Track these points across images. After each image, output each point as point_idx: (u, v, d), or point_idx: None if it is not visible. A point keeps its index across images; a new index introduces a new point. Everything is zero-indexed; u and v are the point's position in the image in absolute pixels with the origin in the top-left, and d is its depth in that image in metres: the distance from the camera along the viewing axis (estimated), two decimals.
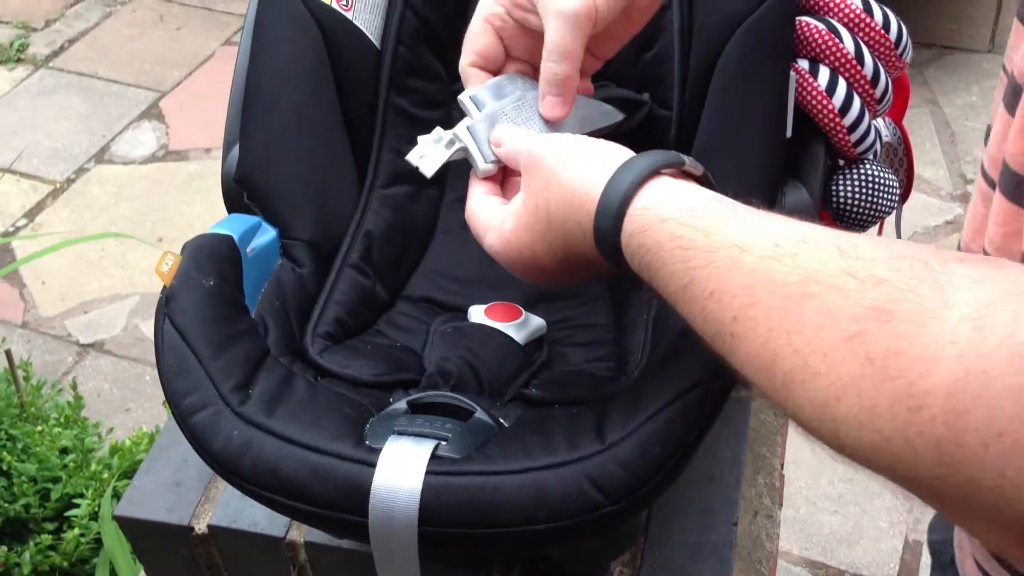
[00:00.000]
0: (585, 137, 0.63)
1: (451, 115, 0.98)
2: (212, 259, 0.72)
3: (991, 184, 0.61)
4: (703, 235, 0.51)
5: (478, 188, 0.69)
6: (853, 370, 0.42)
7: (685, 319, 0.53)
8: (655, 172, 0.56)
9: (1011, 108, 0.58)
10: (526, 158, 0.63)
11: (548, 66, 0.67)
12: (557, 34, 0.65)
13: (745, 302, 0.47)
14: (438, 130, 0.71)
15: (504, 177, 0.71)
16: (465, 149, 0.70)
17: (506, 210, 0.64)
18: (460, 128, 0.70)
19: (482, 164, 0.69)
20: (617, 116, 0.76)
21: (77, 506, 1.37)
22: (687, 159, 0.59)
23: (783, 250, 0.47)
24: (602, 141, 0.62)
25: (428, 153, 0.70)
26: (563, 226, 0.60)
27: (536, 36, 0.69)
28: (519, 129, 0.69)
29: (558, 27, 0.65)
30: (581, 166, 0.59)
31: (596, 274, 0.64)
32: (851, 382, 0.42)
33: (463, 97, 0.71)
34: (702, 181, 0.59)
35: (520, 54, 0.72)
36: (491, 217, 0.66)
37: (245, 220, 0.80)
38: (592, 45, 0.68)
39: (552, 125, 0.70)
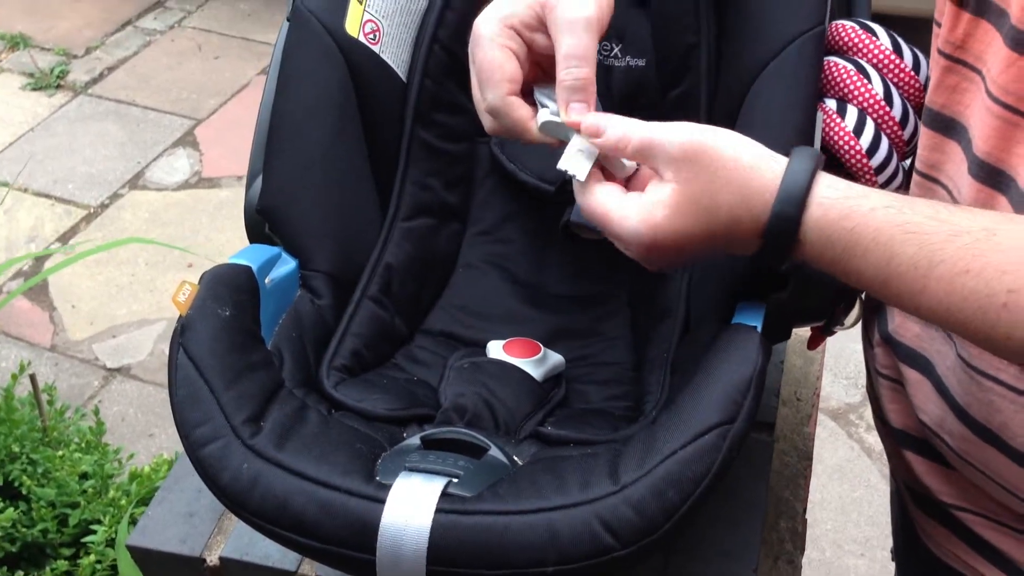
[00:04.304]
0: (716, 128, 0.64)
1: (475, 149, 0.98)
2: (229, 289, 0.72)
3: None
4: (935, 222, 0.58)
5: (591, 178, 0.67)
6: None
7: (900, 301, 0.60)
8: (818, 165, 0.61)
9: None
10: (680, 149, 0.63)
11: (569, 72, 0.67)
12: (574, 39, 0.66)
13: (1023, 276, 0.55)
14: (577, 139, 0.68)
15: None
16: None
17: (653, 198, 0.63)
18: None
19: (627, 163, 0.68)
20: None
21: (94, 532, 1.37)
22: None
23: None
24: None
25: (575, 160, 0.67)
26: (731, 212, 0.62)
27: (534, 58, 0.70)
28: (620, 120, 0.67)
29: (575, 32, 0.66)
30: (749, 156, 0.62)
31: (723, 254, 0.66)
32: None
33: (554, 117, 0.69)
34: None
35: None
36: (625, 204, 0.64)
37: (265, 251, 0.80)
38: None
39: None
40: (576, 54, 0.67)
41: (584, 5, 0.67)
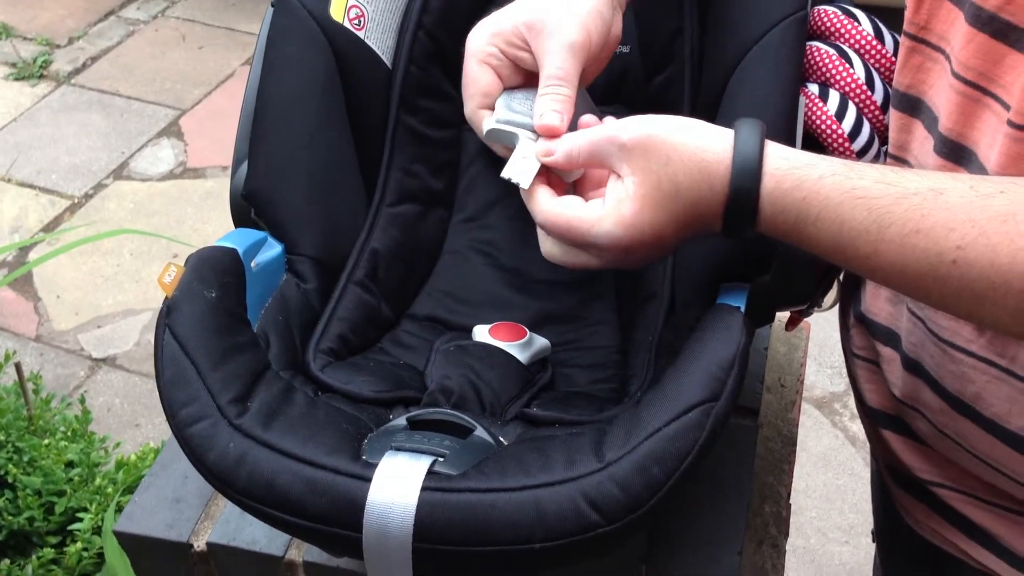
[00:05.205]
0: (657, 116, 0.66)
1: (461, 135, 0.98)
2: (215, 271, 0.72)
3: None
4: (883, 185, 0.58)
5: (544, 192, 0.68)
6: None
7: (855, 264, 0.60)
8: (763, 134, 0.62)
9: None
10: (629, 144, 0.64)
11: (552, 89, 0.70)
12: (560, 60, 0.69)
13: (969, 232, 0.55)
14: (521, 146, 0.70)
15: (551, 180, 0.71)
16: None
17: (615, 197, 0.65)
18: (528, 142, 0.70)
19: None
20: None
21: (81, 520, 1.36)
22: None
23: (982, 189, 0.56)
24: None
25: (519, 168, 0.69)
26: (693, 194, 0.63)
27: (524, 73, 0.73)
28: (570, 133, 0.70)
29: (560, 55, 0.69)
30: (696, 135, 0.63)
31: (699, 236, 0.67)
32: None
33: (499, 125, 0.71)
34: None
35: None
36: (591, 210, 0.66)
37: (251, 235, 0.80)
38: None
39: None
40: (558, 76, 0.70)
41: (568, 32, 0.69)
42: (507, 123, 0.71)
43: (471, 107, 0.73)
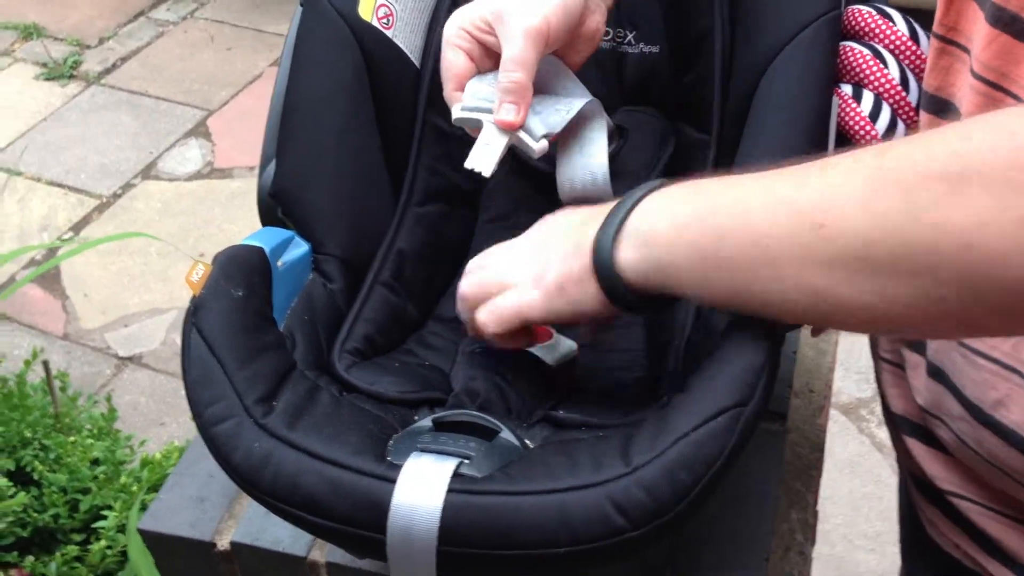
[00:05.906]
0: None
1: None
2: (242, 270, 0.72)
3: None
4: (760, 174, 0.60)
5: None
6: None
7: (732, 260, 0.59)
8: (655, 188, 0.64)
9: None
10: None
11: (505, 75, 0.72)
12: (515, 47, 0.72)
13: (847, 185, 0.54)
14: (484, 133, 0.74)
15: None
16: (511, 140, 0.74)
17: None
18: (491, 127, 0.74)
19: (535, 145, 0.74)
20: (576, 104, 0.77)
21: (105, 517, 1.37)
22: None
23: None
24: None
25: (481, 155, 0.73)
26: (566, 220, 0.68)
27: (495, 56, 0.75)
28: None
29: (516, 41, 0.72)
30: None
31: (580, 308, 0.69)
32: None
33: (465, 114, 0.74)
34: None
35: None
36: None
37: (278, 233, 0.80)
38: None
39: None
40: (515, 59, 0.72)
41: (529, 17, 0.72)
42: (472, 110, 0.74)
43: (447, 90, 0.76)
